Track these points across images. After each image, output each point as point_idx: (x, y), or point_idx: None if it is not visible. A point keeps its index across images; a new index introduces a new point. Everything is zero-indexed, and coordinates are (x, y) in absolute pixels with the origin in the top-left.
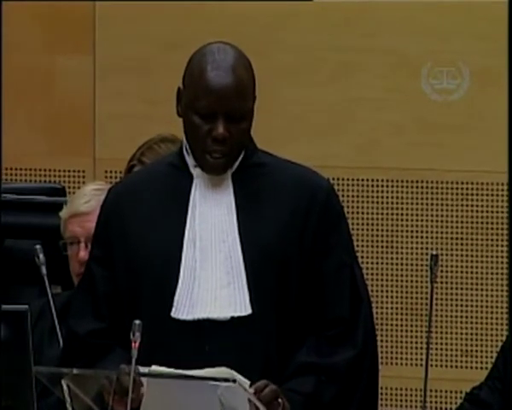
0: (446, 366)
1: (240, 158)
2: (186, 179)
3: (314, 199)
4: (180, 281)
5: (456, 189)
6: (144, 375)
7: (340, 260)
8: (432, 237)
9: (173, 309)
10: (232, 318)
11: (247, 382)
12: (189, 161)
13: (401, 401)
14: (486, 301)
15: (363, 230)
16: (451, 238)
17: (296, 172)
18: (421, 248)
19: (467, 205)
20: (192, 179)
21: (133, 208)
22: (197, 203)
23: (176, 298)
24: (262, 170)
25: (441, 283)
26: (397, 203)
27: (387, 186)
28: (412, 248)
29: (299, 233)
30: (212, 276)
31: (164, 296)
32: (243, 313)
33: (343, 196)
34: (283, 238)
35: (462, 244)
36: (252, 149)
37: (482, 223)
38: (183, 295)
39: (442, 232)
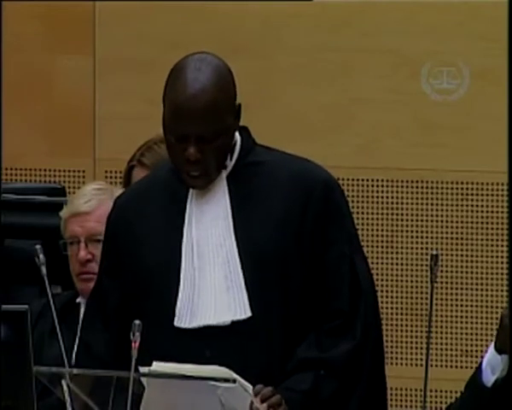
0: (446, 366)
1: (234, 158)
2: (184, 185)
3: (311, 194)
4: (181, 289)
5: (456, 189)
6: (144, 375)
7: (340, 252)
8: (432, 237)
9: (176, 318)
10: (233, 322)
11: (249, 386)
12: None
13: (401, 401)
14: (486, 301)
15: (363, 230)
16: (451, 238)
17: (293, 168)
18: (421, 248)
19: (467, 205)
20: None
21: (137, 218)
22: (194, 209)
23: (177, 307)
24: (258, 168)
25: (441, 283)
26: (397, 203)
27: (387, 186)
28: (412, 248)
29: (296, 231)
30: (211, 282)
31: (166, 306)
32: (243, 317)
33: None
34: (281, 238)
35: (462, 244)
36: (248, 147)
37: (482, 223)
38: (184, 303)
39: (442, 232)
